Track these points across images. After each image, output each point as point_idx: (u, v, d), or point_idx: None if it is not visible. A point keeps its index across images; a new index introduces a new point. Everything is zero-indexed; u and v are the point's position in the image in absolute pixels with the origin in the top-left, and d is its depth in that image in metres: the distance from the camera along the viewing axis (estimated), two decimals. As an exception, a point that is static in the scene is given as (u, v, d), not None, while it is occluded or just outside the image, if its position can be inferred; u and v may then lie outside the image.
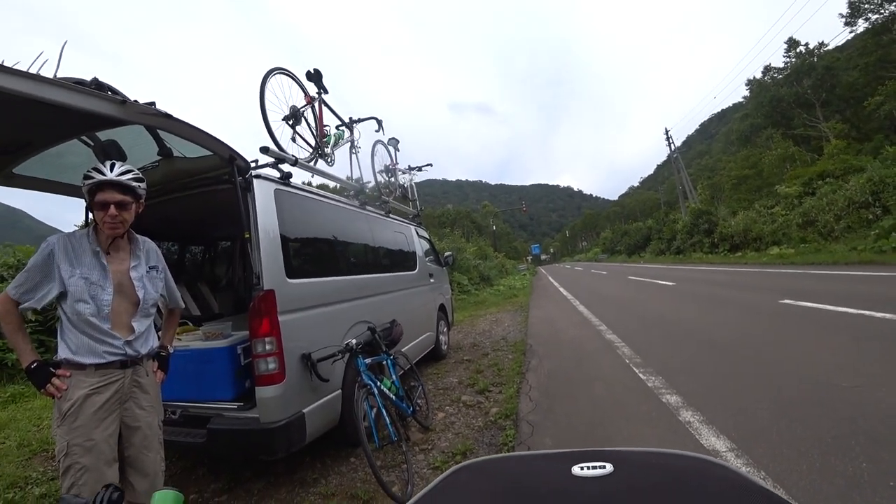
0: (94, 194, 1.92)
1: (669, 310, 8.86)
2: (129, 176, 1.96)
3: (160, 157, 3.04)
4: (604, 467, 0.61)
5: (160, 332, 2.38)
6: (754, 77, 45.27)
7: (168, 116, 2.27)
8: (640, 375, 4.59)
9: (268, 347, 2.75)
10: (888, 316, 5.46)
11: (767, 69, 44.19)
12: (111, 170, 1.92)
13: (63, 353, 1.94)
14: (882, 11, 31.68)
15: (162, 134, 2.75)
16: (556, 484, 0.61)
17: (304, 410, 2.93)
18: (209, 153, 2.80)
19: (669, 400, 3.79)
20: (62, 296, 1.94)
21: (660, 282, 15.10)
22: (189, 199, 3.44)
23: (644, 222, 60.60)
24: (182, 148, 2.93)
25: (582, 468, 0.62)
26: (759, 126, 42.09)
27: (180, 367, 2.92)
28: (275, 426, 2.72)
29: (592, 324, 8.39)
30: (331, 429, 3.30)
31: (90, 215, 2.08)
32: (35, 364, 1.91)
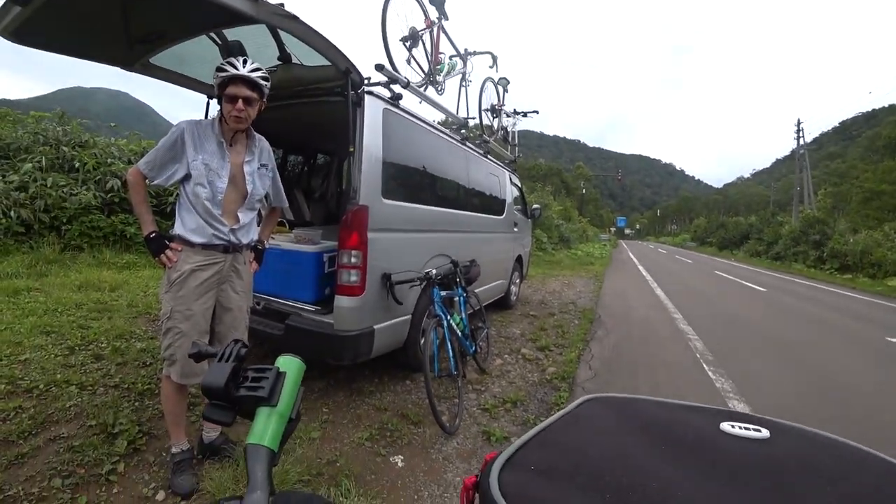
0: (224, 87, 2.01)
1: (754, 315, 8.20)
2: (259, 73, 2.03)
3: (279, 63, 3.11)
4: (759, 430, 0.56)
5: (259, 227, 2.53)
6: (925, 76, 38.65)
7: (295, 18, 2.29)
8: (710, 374, 4.36)
9: (353, 260, 2.86)
10: None
11: (945, 69, 37.47)
12: (243, 65, 1.99)
13: (178, 229, 2.11)
14: None
15: (284, 38, 2.80)
16: (703, 435, 0.57)
17: (376, 327, 3.05)
18: (326, 63, 2.82)
19: (736, 407, 3.57)
20: (186, 177, 2.09)
21: (749, 284, 14.01)
22: (299, 108, 3.53)
23: (745, 218, 55.69)
24: (301, 55, 2.97)
25: (733, 426, 0.57)
26: (915, 135, 36.36)
27: (271, 263, 3.10)
28: (347, 335, 2.87)
29: (668, 309, 8.01)
30: (394, 350, 3.43)
31: (214, 108, 2.22)
32: (154, 234, 2.09)
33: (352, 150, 2.91)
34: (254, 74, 2.00)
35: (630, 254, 28.21)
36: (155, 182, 2.12)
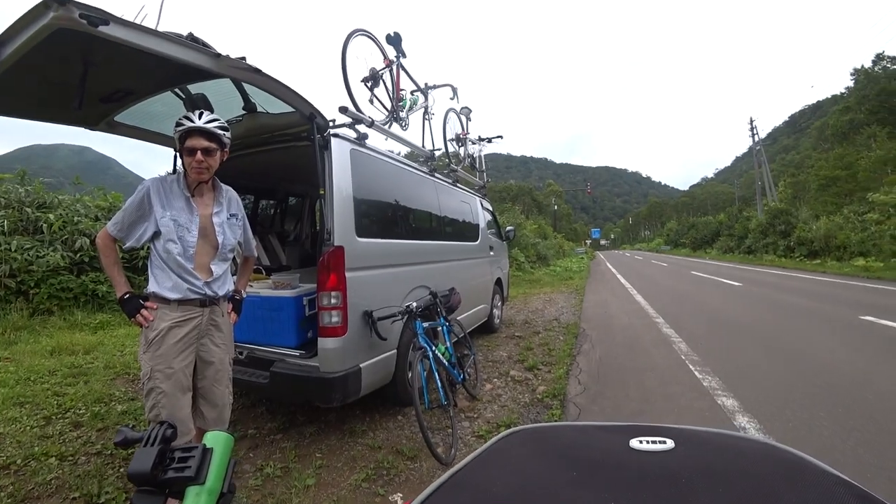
0: (183, 140, 2.04)
1: (733, 311, 8.41)
2: (216, 124, 2.07)
3: (244, 112, 3.17)
4: (664, 442, 0.59)
5: (235, 278, 2.52)
6: (862, 66, 40.94)
7: (257, 71, 2.36)
8: (696, 374, 4.44)
9: (333, 301, 2.87)
10: None
11: (880, 58, 39.74)
12: (199, 118, 2.03)
13: (152, 286, 2.10)
14: None
15: (248, 89, 2.86)
16: (614, 455, 0.60)
17: (362, 365, 3.05)
18: (291, 110, 2.89)
19: (725, 402, 3.65)
20: (155, 235, 2.09)
21: (725, 280, 14.34)
22: (268, 154, 3.57)
23: (714, 216, 57.27)
24: (265, 103, 3.03)
25: (641, 441, 0.60)
26: (860, 122, 38.21)
27: (250, 311, 3.11)
28: (333, 376, 2.86)
29: (649, 315, 8.14)
30: (383, 386, 3.42)
31: (179, 162, 2.21)
32: (127, 295, 2.07)
33: (322, 192, 2.95)
34: (210, 125, 2.04)
35: (608, 264, 28.64)
36: (127, 244, 2.12)
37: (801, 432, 3.07)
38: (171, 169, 3.65)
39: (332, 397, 2.89)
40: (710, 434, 0.64)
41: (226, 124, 2.14)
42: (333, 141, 3.05)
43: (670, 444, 0.59)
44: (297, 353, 3.17)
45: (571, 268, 22.98)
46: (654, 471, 0.55)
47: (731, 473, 0.54)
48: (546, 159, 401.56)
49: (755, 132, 36.85)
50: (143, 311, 2.06)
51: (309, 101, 2.79)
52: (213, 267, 2.19)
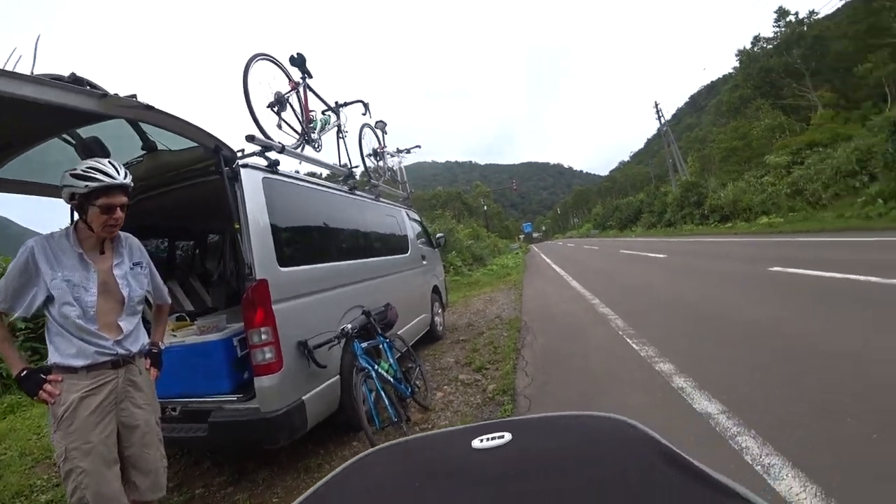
0: (95, 197, 1.87)
1: (660, 282, 8.99)
2: (131, 177, 1.95)
3: (144, 152, 2.98)
4: (502, 437, 0.61)
5: (150, 329, 2.36)
6: (744, 48, 45.07)
7: (149, 108, 2.22)
8: (634, 346, 4.67)
9: (263, 337, 2.76)
10: (873, 279, 5.55)
11: (757, 39, 43.95)
12: (117, 172, 1.89)
13: (53, 357, 1.90)
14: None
15: (145, 127, 2.72)
16: (458, 459, 0.61)
17: (304, 398, 2.96)
18: (194, 145, 2.77)
19: (662, 368, 3.87)
20: (48, 300, 1.89)
21: (651, 255, 15.22)
22: (175, 193, 3.40)
23: (635, 197, 60.71)
24: (166, 141, 2.88)
25: (482, 440, 0.62)
26: (748, 97, 42.02)
27: (177, 362, 2.93)
28: (275, 415, 2.74)
29: (585, 298, 8.48)
30: (331, 414, 3.33)
31: (75, 215, 2.02)
32: (24, 372, 1.87)
33: (237, 226, 2.83)
34: (128, 180, 1.92)
35: (542, 256, 29.54)
36: (16, 314, 1.92)
37: (731, 383, 3.29)
38: (71, 219, 3.37)
39: (277, 437, 2.79)
40: (547, 419, 0.68)
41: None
42: (243, 171, 2.94)
43: (507, 437, 0.61)
44: (234, 397, 3.01)
45: (508, 264, 23.49)
46: (494, 467, 0.57)
47: (563, 453, 0.58)
48: (471, 162, 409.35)
49: (661, 114, 39.63)
50: (46, 387, 1.85)
51: (211, 133, 2.68)
52: (121, 323, 2.01)
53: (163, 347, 2.35)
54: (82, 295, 1.91)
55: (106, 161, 1.91)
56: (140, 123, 2.63)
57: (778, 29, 41.04)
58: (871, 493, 1.92)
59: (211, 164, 2.98)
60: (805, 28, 38.45)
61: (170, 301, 2.52)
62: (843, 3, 35.00)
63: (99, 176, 1.85)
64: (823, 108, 31.80)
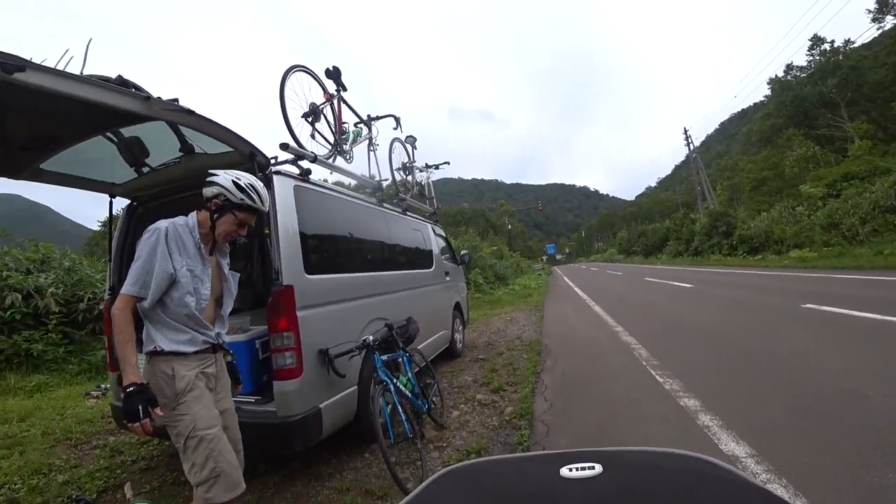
0: (241, 210, 2.00)
1: (687, 312, 8.74)
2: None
3: (182, 154, 3.07)
4: (592, 468, 0.59)
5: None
6: (776, 76, 44.42)
7: (191, 113, 2.30)
8: (658, 378, 4.53)
9: (286, 342, 2.78)
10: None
11: (790, 67, 43.30)
12: (261, 201, 2.03)
13: (161, 343, 1.88)
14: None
15: (184, 130, 2.79)
16: (544, 487, 0.59)
17: (321, 405, 2.95)
18: (230, 149, 2.83)
19: (687, 403, 3.73)
20: (171, 286, 1.88)
21: (677, 284, 14.91)
22: None
23: (661, 223, 59.84)
24: (203, 144, 2.96)
25: (571, 469, 0.60)
26: (780, 126, 41.32)
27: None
28: (292, 420, 2.74)
29: (608, 325, 8.31)
30: (347, 424, 3.31)
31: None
32: (134, 388, 1.72)
33: (267, 231, 2.87)
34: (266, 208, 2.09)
35: (565, 278, 29.25)
36: (148, 301, 1.84)
37: (760, 424, 3.17)
38: (109, 215, 3.49)
39: (292, 442, 2.77)
40: (638, 454, 0.65)
41: None
42: (276, 178, 3.00)
43: (598, 468, 0.59)
44: (252, 399, 3.02)
45: (530, 285, 23.31)
46: (582, 499, 0.55)
47: (652, 494, 0.55)
48: (497, 181, 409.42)
49: (690, 141, 39.14)
50: (147, 422, 1.71)
51: (247, 139, 2.75)
52: (223, 314, 2.17)
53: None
54: (199, 287, 1.97)
55: (262, 185, 2.06)
56: (180, 126, 2.70)
57: (812, 57, 40.36)
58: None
59: (245, 168, 3.03)
60: (840, 57, 37.69)
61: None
62: (879, 32, 34.37)
63: (255, 197, 1.99)
64: (860, 139, 30.93)
